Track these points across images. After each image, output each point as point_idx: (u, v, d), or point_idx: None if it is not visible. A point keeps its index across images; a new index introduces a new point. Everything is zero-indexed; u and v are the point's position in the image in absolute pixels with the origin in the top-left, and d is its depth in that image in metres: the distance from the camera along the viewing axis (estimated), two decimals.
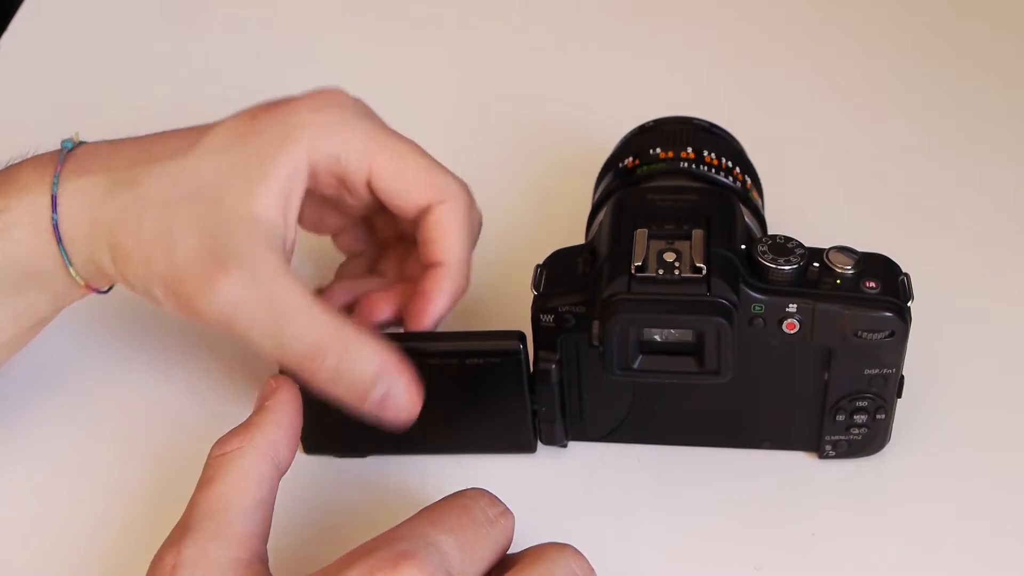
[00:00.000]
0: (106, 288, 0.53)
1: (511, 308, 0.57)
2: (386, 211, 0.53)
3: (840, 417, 0.51)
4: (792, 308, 0.47)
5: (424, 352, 0.50)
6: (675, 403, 0.53)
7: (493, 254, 0.56)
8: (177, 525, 0.43)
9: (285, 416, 0.46)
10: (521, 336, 0.50)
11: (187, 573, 0.41)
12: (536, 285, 0.50)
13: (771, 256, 0.48)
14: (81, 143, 0.52)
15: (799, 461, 0.53)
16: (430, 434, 0.51)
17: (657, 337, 0.48)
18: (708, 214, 0.49)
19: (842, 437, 0.52)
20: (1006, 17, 0.79)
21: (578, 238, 0.55)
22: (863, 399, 0.50)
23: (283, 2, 0.85)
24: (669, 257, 0.47)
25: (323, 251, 0.60)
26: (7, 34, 0.82)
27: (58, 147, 0.52)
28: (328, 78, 0.77)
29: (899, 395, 0.51)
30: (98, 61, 0.80)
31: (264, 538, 0.44)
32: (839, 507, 0.52)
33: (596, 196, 0.57)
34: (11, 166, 0.52)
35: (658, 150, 0.56)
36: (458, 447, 0.54)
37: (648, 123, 0.59)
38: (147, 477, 0.54)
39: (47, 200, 0.50)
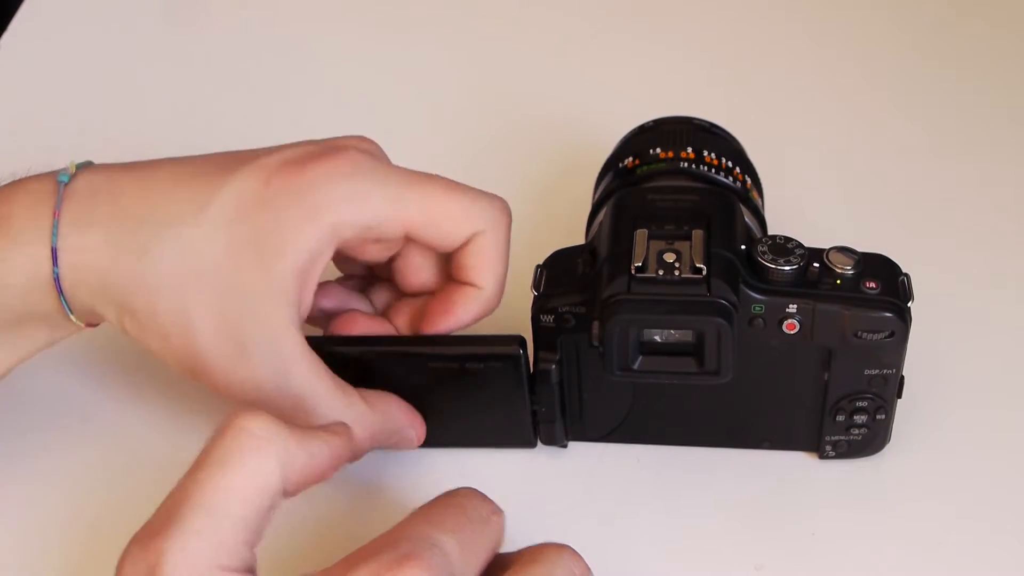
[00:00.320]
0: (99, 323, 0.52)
1: (512, 308, 0.57)
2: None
3: (840, 417, 0.51)
4: (792, 308, 0.47)
5: (425, 356, 0.50)
6: (675, 403, 0.53)
7: None
8: (159, 510, 0.40)
9: (322, 455, 0.43)
10: (521, 341, 0.50)
11: None
12: (536, 285, 0.50)
13: (771, 256, 0.48)
14: (77, 172, 0.50)
15: (799, 461, 0.53)
16: (434, 432, 0.52)
17: (657, 338, 0.48)
18: (708, 214, 0.49)
19: (842, 437, 0.52)
20: (1006, 17, 0.79)
21: (578, 238, 0.55)
22: (863, 399, 0.50)
23: (283, 2, 0.85)
24: (669, 257, 0.47)
25: None
26: (7, 34, 0.82)
27: (52, 164, 0.50)
28: (328, 78, 0.78)
29: (899, 395, 0.51)
30: (98, 61, 0.80)
31: (254, 545, 0.40)
32: (839, 507, 0.52)
33: (596, 196, 0.57)
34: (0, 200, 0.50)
35: (658, 150, 0.56)
36: (459, 442, 0.54)
37: (648, 123, 0.59)
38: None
39: (47, 252, 0.48)
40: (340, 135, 0.53)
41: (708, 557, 0.51)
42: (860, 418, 0.51)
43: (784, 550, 0.51)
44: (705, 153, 0.55)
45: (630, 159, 0.56)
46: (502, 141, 0.72)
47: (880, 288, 0.48)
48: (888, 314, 0.47)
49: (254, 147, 0.52)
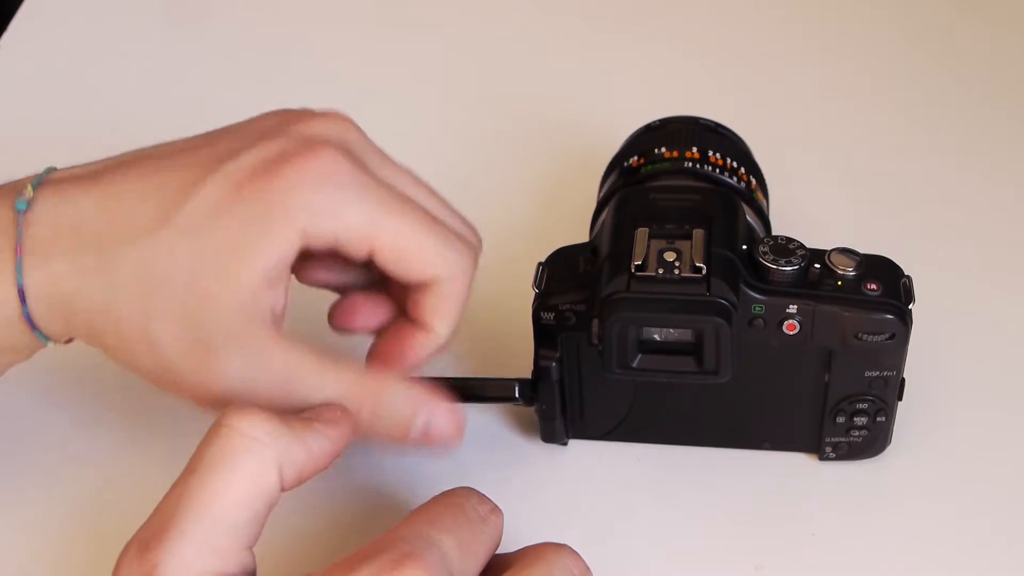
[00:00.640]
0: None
1: (514, 307, 0.57)
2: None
3: (840, 419, 0.51)
4: (792, 309, 0.47)
5: None
6: (675, 403, 0.52)
7: (497, 253, 0.56)
8: (152, 517, 0.39)
9: (321, 448, 0.42)
10: None
11: None
12: (537, 283, 0.50)
13: (772, 257, 0.48)
14: (35, 190, 0.47)
15: (799, 462, 0.53)
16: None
17: (656, 336, 0.48)
18: (710, 214, 0.49)
19: (842, 439, 0.52)
20: (1006, 17, 0.79)
21: (583, 237, 0.55)
22: (863, 401, 0.50)
23: (285, 1, 0.85)
24: (669, 256, 0.47)
25: None
26: (7, 34, 0.82)
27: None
28: (330, 79, 0.78)
29: (900, 398, 0.50)
30: (98, 61, 0.80)
31: (251, 547, 0.40)
32: (840, 508, 0.52)
33: (601, 195, 0.57)
34: None
35: (663, 149, 0.56)
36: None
37: (654, 122, 0.59)
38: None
39: (14, 292, 0.46)
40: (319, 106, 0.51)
41: (708, 557, 0.50)
42: (860, 420, 0.51)
43: (784, 550, 0.50)
44: (710, 153, 0.55)
45: (635, 158, 0.56)
46: (508, 140, 0.72)
47: (881, 290, 0.48)
48: (888, 316, 0.47)
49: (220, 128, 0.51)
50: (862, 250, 0.49)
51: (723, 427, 0.53)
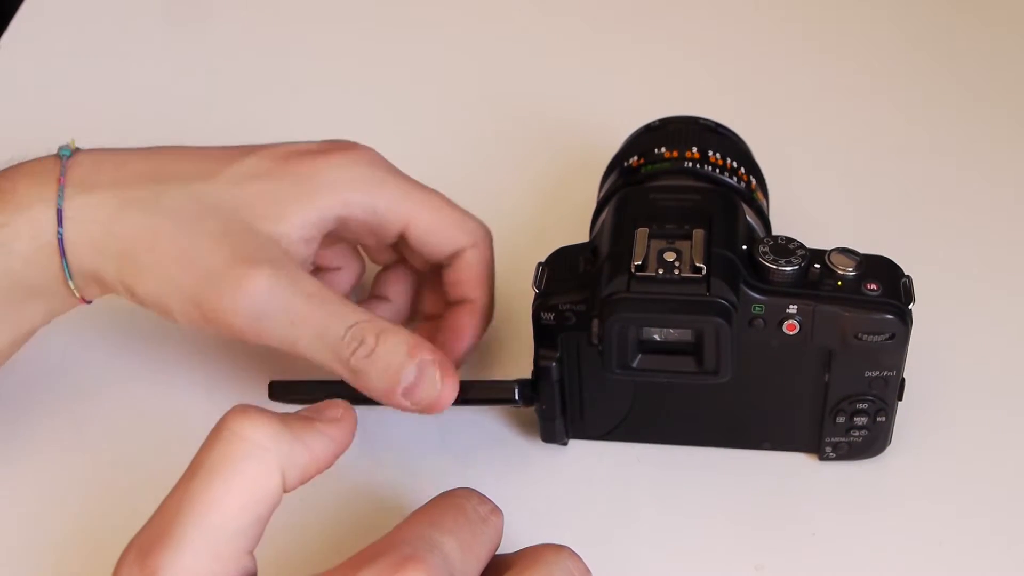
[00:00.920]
0: (93, 299, 0.52)
1: (514, 307, 0.57)
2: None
3: (840, 419, 0.51)
4: (792, 309, 0.47)
5: None
6: (675, 403, 0.52)
7: (497, 253, 0.56)
8: (152, 522, 0.39)
9: (323, 448, 0.41)
10: None
11: None
12: (537, 283, 0.50)
13: (772, 257, 0.48)
14: (78, 150, 0.51)
15: (799, 462, 0.53)
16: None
17: (656, 336, 0.48)
18: (710, 214, 0.49)
19: (842, 439, 0.52)
20: (1006, 17, 0.79)
21: (583, 237, 0.55)
22: (863, 401, 0.50)
23: (284, 2, 0.85)
24: (669, 256, 0.47)
25: None
26: (7, 34, 0.82)
27: (51, 152, 0.51)
28: (330, 79, 0.78)
29: (900, 398, 0.50)
30: (98, 61, 0.80)
31: (252, 551, 0.40)
32: (840, 508, 0.52)
33: (601, 195, 0.57)
34: (2, 174, 0.50)
35: (663, 149, 0.56)
36: None
37: (654, 122, 0.59)
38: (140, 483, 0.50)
39: (52, 214, 0.49)
40: (340, 137, 0.54)
41: (708, 557, 0.50)
42: (860, 420, 0.51)
43: (784, 550, 0.50)
44: (710, 153, 0.55)
45: (635, 158, 0.56)
46: (508, 140, 0.72)
47: (881, 290, 0.48)
48: (888, 316, 0.47)
49: (255, 144, 0.53)
50: (862, 250, 0.49)
51: (723, 427, 0.53)
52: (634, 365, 0.48)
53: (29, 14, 0.83)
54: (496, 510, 0.44)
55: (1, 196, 0.49)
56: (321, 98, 0.77)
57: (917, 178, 0.68)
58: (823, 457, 0.53)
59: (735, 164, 0.55)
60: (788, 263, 0.47)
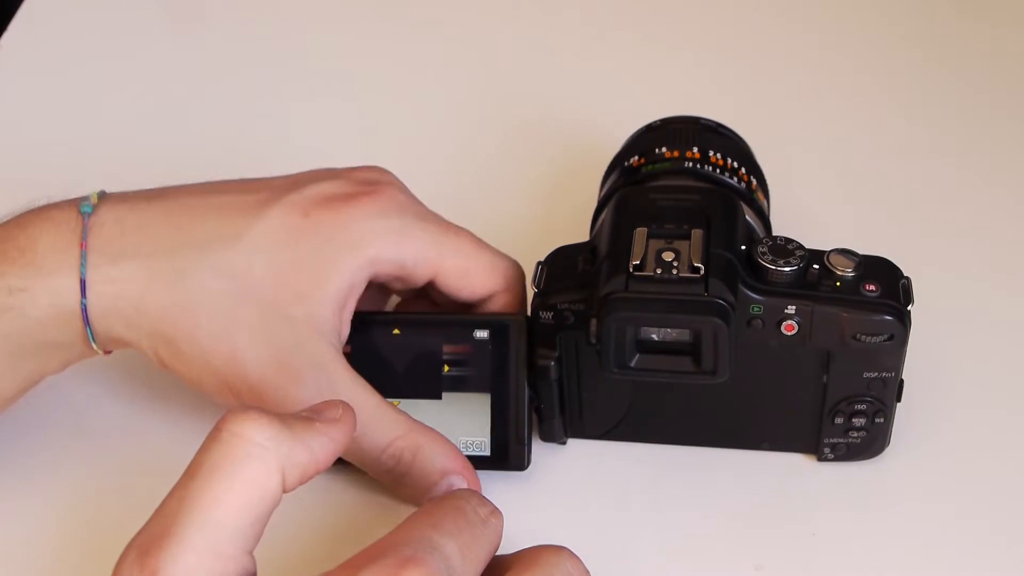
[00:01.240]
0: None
1: None
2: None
3: (839, 420, 0.51)
4: (791, 310, 0.47)
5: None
6: (674, 402, 0.52)
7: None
8: (152, 522, 0.38)
9: (323, 448, 0.41)
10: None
11: None
12: (536, 282, 0.50)
13: (771, 257, 0.48)
14: (100, 194, 0.50)
15: (799, 462, 0.53)
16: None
17: (654, 336, 0.48)
18: (709, 214, 0.49)
19: (841, 440, 0.52)
20: (1006, 17, 0.79)
21: (583, 237, 0.55)
22: (862, 402, 0.50)
23: (285, 4, 0.85)
24: (668, 256, 0.47)
25: None
26: (7, 34, 0.82)
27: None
28: (330, 79, 0.78)
29: (898, 399, 0.50)
30: (98, 61, 0.80)
31: (252, 550, 0.39)
32: (840, 508, 0.52)
33: (601, 194, 0.57)
34: (18, 223, 0.49)
35: (664, 149, 0.56)
36: None
37: (655, 122, 0.59)
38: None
39: (74, 284, 0.48)
40: (358, 165, 0.54)
41: (708, 557, 0.50)
42: (859, 421, 0.51)
43: (784, 550, 0.50)
44: (711, 153, 0.55)
45: (636, 158, 0.56)
46: (509, 140, 0.72)
47: (880, 291, 0.48)
48: (887, 317, 0.47)
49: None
50: (862, 250, 0.49)
51: (722, 427, 0.53)
52: (632, 365, 0.48)
53: (29, 14, 0.83)
54: (496, 512, 0.44)
55: (21, 255, 0.48)
56: (321, 98, 0.77)
57: (917, 178, 0.68)
58: (821, 458, 0.53)
59: (736, 164, 0.55)
60: (787, 263, 0.47)
